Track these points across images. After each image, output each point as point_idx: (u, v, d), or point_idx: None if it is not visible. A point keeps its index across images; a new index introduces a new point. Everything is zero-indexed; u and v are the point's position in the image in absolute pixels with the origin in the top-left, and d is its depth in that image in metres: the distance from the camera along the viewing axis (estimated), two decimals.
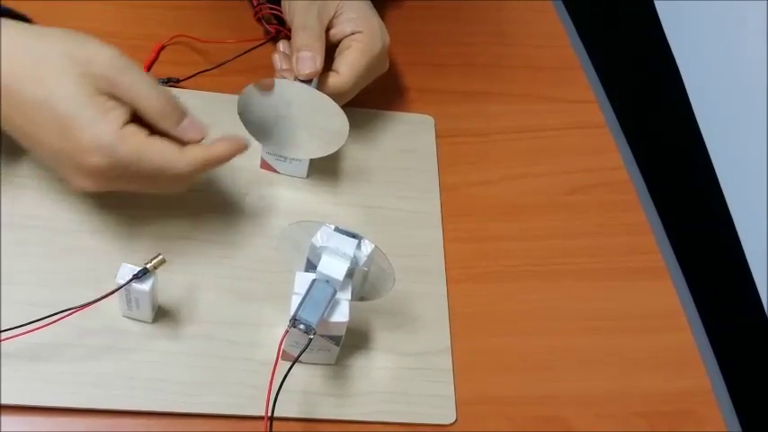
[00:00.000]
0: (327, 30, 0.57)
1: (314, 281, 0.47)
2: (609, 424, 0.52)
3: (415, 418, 0.50)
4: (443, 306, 0.55)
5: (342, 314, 0.47)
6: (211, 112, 0.53)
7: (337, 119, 0.55)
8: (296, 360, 0.45)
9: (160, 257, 0.47)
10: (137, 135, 0.47)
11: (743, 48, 0.65)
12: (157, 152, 0.47)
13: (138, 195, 0.54)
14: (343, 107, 0.55)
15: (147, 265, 0.46)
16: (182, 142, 0.48)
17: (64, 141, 0.46)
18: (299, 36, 0.56)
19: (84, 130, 0.46)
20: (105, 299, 0.46)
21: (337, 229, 0.48)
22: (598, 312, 0.57)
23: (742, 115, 0.65)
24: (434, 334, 0.54)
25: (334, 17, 0.58)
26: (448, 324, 0.54)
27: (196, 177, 0.49)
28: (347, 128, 0.55)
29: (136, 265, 0.47)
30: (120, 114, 0.46)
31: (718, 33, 0.68)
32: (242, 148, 0.50)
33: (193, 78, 0.62)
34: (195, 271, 0.53)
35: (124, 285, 0.46)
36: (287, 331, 0.46)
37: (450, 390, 0.51)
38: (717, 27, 0.68)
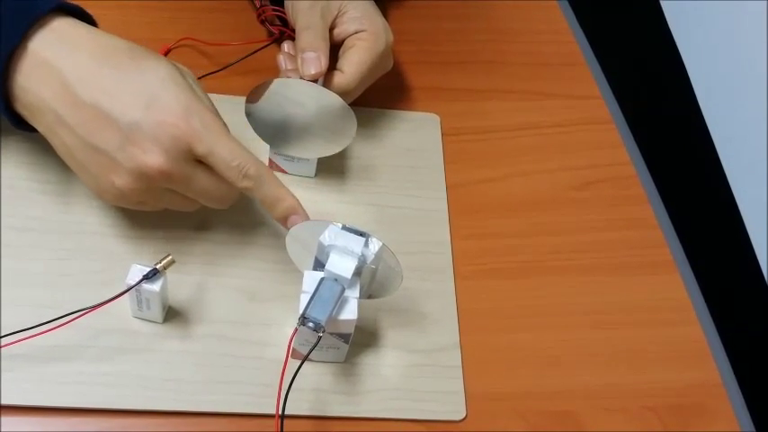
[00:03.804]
0: (331, 29, 0.58)
1: (322, 279, 0.47)
2: (619, 418, 0.52)
3: (425, 415, 0.50)
4: (452, 303, 0.55)
5: (350, 312, 0.47)
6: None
7: (344, 117, 0.55)
8: (305, 358, 0.45)
9: (170, 258, 0.47)
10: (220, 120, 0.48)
11: (749, 41, 0.65)
12: (234, 140, 0.48)
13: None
14: (349, 106, 0.55)
15: (157, 266, 0.47)
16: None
17: (148, 109, 0.45)
18: (303, 36, 0.56)
19: (176, 98, 0.46)
20: (116, 300, 0.46)
21: (345, 228, 0.48)
22: (607, 307, 0.57)
23: (748, 108, 0.65)
24: (443, 331, 0.54)
25: (337, 16, 0.58)
26: (457, 321, 0.54)
27: (241, 186, 0.48)
28: (355, 126, 0.55)
29: (146, 265, 0.47)
30: None
31: (724, 26, 0.68)
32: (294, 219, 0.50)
33: (200, 81, 0.62)
34: (205, 271, 0.53)
35: (134, 286, 0.46)
36: (296, 330, 0.46)
37: (459, 386, 0.51)
38: (722, 20, 0.68)
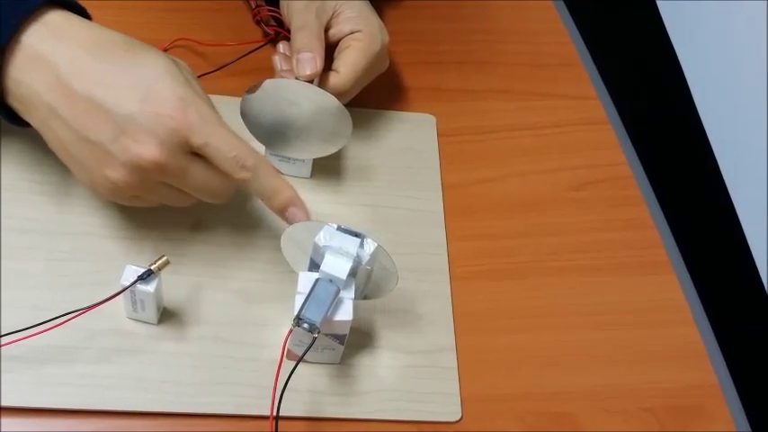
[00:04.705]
0: (326, 30, 0.58)
1: (317, 280, 0.47)
2: (617, 419, 0.52)
3: (420, 416, 0.50)
4: (448, 304, 0.55)
5: (345, 313, 0.47)
6: None
7: (340, 117, 0.55)
8: (300, 359, 0.45)
9: (164, 259, 0.47)
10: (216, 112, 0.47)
11: (746, 41, 0.65)
12: (230, 131, 0.47)
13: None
14: (344, 107, 0.55)
15: (152, 267, 0.47)
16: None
17: (143, 101, 0.45)
18: (298, 37, 0.56)
19: (172, 90, 0.45)
20: (111, 301, 0.46)
21: (340, 229, 0.48)
22: (603, 308, 0.57)
23: (745, 109, 0.65)
24: (439, 332, 0.54)
25: (332, 17, 0.58)
26: (452, 322, 0.54)
27: (237, 177, 0.48)
28: (350, 126, 0.55)
29: (140, 266, 0.47)
30: None
31: (720, 27, 0.68)
32: (292, 213, 0.49)
33: None
34: (200, 272, 0.53)
35: (129, 287, 0.46)
36: (291, 331, 0.46)
37: (455, 387, 0.51)
38: (718, 21, 0.68)
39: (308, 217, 0.49)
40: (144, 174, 0.46)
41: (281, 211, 0.49)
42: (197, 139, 0.46)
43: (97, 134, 0.45)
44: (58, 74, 0.45)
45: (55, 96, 0.45)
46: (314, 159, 0.58)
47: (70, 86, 0.45)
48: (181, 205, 0.50)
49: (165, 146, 0.45)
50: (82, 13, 0.48)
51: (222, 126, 0.47)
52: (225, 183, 0.48)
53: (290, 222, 0.49)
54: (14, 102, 0.47)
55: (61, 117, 0.46)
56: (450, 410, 0.50)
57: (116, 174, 0.46)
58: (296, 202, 0.49)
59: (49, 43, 0.45)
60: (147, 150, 0.45)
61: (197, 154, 0.47)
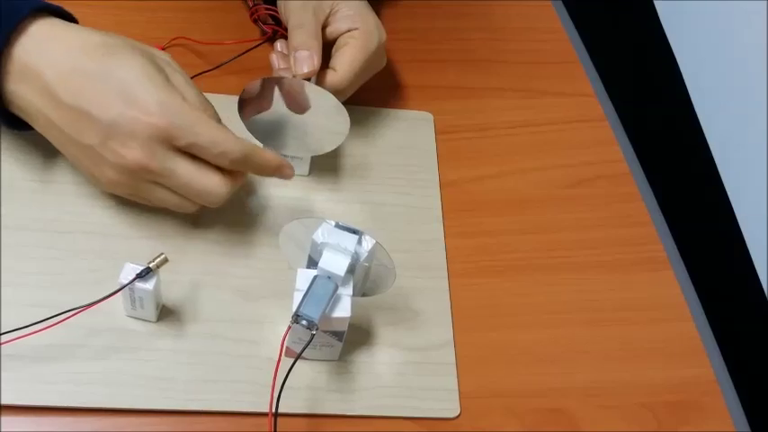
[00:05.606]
0: (324, 28, 0.58)
1: (315, 277, 0.47)
2: (613, 415, 0.52)
3: (419, 413, 0.50)
4: (445, 300, 0.55)
5: (344, 309, 0.47)
6: None
7: (338, 115, 0.55)
8: (299, 356, 0.45)
9: (163, 257, 0.47)
10: (198, 110, 0.49)
11: (742, 38, 0.65)
12: (214, 127, 0.48)
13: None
14: (342, 105, 0.55)
15: (150, 265, 0.47)
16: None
17: (125, 106, 0.47)
18: (295, 35, 0.56)
19: (150, 93, 0.47)
20: (109, 299, 0.46)
21: (338, 225, 0.48)
22: (600, 304, 0.57)
23: (741, 106, 0.65)
24: (437, 328, 0.54)
25: (329, 15, 0.58)
26: (450, 318, 0.54)
27: (233, 168, 0.50)
28: (348, 124, 0.55)
29: (139, 264, 0.47)
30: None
31: (717, 25, 0.68)
32: (286, 171, 0.52)
33: (193, 80, 0.62)
34: (198, 270, 0.53)
35: (127, 285, 0.46)
36: (289, 328, 0.46)
37: (453, 383, 0.51)
38: (715, 18, 0.68)
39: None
40: (133, 174, 0.48)
41: (279, 177, 0.52)
42: (180, 141, 0.48)
43: (87, 139, 0.48)
44: (45, 84, 0.47)
45: (45, 104, 0.48)
46: (312, 157, 0.58)
47: (57, 95, 0.47)
48: (182, 211, 0.52)
49: (147, 148, 0.47)
50: (68, 16, 0.50)
51: (204, 123, 0.48)
52: (216, 181, 0.49)
53: None
54: (17, 111, 0.49)
55: (56, 125, 0.48)
56: (448, 407, 0.51)
57: (108, 174, 0.49)
58: (283, 162, 0.51)
59: (34, 54, 0.47)
60: (131, 153, 0.47)
61: (189, 153, 0.49)
